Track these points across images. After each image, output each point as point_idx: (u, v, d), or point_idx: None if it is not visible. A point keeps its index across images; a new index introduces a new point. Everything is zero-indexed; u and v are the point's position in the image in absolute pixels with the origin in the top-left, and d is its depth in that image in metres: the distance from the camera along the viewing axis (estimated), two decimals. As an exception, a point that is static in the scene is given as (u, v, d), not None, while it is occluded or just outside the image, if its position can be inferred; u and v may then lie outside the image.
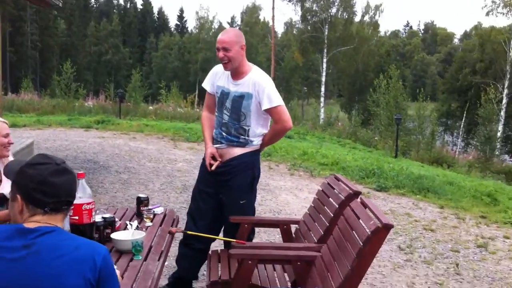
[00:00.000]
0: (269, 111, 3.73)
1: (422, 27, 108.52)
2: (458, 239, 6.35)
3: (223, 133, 3.83)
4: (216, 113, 3.92)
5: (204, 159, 3.94)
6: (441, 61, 74.03)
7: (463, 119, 40.68)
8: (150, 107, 22.28)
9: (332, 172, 9.76)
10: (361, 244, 2.62)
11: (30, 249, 1.68)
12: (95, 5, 77.04)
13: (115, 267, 2.22)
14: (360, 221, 2.83)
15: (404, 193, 8.70)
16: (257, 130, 3.82)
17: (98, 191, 7.32)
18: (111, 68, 61.84)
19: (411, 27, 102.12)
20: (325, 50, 37.69)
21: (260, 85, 3.71)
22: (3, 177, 3.05)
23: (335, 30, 38.69)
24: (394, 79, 23.75)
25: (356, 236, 2.74)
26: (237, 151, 3.81)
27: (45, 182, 1.75)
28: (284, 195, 8.04)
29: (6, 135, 3.18)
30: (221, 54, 3.67)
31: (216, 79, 3.88)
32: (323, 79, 37.50)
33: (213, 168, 3.81)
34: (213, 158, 3.83)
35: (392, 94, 23.38)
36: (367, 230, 2.63)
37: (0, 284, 1.67)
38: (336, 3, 39.55)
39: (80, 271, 1.67)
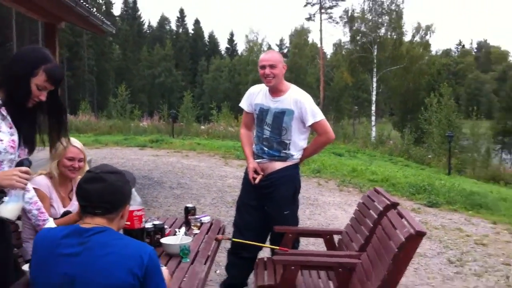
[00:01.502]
0: (314, 125, 3.98)
1: (475, 45, 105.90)
2: (511, 253, 6.25)
3: (265, 148, 4.04)
4: (256, 130, 4.16)
5: (246, 173, 4.15)
6: (496, 79, 71.98)
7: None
8: (202, 127, 22.81)
9: (381, 188, 9.74)
10: (396, 250, 2.73)
11: (85, 246, 1.90)
12: (148, 31, 79.53)
13: (164, 267, 2.43)
14: (396, 229, 2.95)
15: (456, 209, 8.59)
16: (298, 144, 4.04)
17: (152, 205, 7.65)
18: (164, 90, 63.52)
19: (463, 46, 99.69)
20: (375, 70, 37.46)
21: (302, 103, 3.95)
22: (73, 197, 3.27)
23: (385, 50, 38.37)
24: (446, 96, 23.36)
25: (392, 243, 2.86)
26: (279, 165, 4.03)
27: (79, 188, 2.04)
28: (333, 210, 8.13)
29: (71, 159, 3.26)
30: (267, 70, 3.92)
31: (253, 98, 4.15)
32: (373, 98, 37.22)
33: (256, 181, 4.01)
34: (255, 172, 4.04)
35: (444, 112, 22.99)
36: (402, 237, 2.75)
37: (59, 276, 1.89)
38: (385, 24, 39.33)
39: (128, 267, 1.86)
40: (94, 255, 1.89)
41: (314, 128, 4.03)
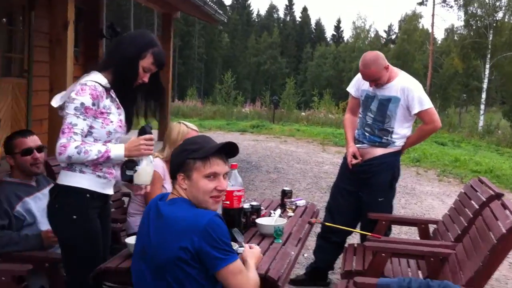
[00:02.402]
0: (420, 113, 3.88)
1: None
2: None
3: (366, 134, 4.00)
4: (359, 115, 4.12)
5: (345, 158, 4.13)
6: None
7: None
8: (302, 113, 22.87)
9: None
10: (495, 241, 2.61)
11: (160, 213, 2.08)
12: (256, 19, 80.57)
13: (256, 246, 2.48)
14: (498, 221, 2.81)
15: None
16: (401, 132, 3.96)
17: (248, 188, 7.84)
18: (268, 77, 64.24)
19: None
20: (489, 56, 35.31)
21: (409, 90, 3.85)
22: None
23: (501, 35, 36.00)
24: None
25: (491, 234, 2.74)
26: (379, 151, 3.96)
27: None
28: (430, 200, 7.87)
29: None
30: (372, 84, 3.88)
31: (361, 83, 4.06)
32: (485, 85, 35.12)
33: (353, 163, 3.96)
34: (354, 156, 3.99)
35: None
36: (503, 229, 2.62)
37: (145, 236, 2.09)
38: (503, 8, 36.87)
39: (180, 243, 1.96)
40: (165, 223, 2.04)
41: (420, 117, 3.92)
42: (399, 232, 5.77)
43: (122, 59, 2.56)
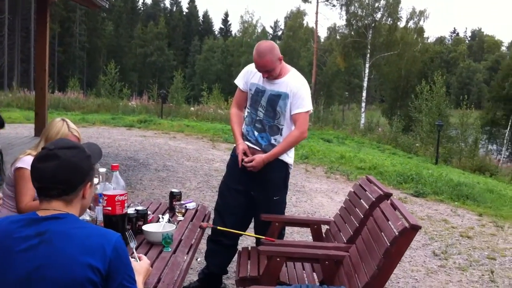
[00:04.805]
0: (297, 115, 3.78)
1: (469, 34, 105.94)
2: (495, 246, 6.21)
3: (255, 131, 3.88)
4: (248, 110, 3.97)
5: (233, 155, 3.99)
6: (487, 69, 72.19)
7: (508, 128, 39.54)
8: (192, 108, 22.59)
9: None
10: (388, 244, 2.62)
11: (43, 237, 1.70)
12: (142, 8, 78.60)
13: (144, 256, 2.30)
14: (389, 222, 2.84)
15: (442, 200, 8.55)
16: (289, 130, 3.87)
17: (136, 187, 7.51)
18: (155, 70, 62.98)
19: (457, 34, 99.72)
20: (368, 55, 37.37)
21: (298, 88, 3.78)
22: None
23: (379, 35, 38.29)
24: (438, 85, 23.28)
25: (384, 236, 2.75)
26: (270, 150, 3.84)
27: (32, 167, 1.80)
28: (320, 197, 8.04)
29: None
30: (265, 75, 3.75)
31: (250, 77, 3.92)
32: (365, 84, 37.19)
33: (246, 161, 3.79)
34: (245, 154, 3.85)
35: (435, 100, 22.93)
36: (395, 231, 2.64)
37: (14, 273, 1.68)
38: (381, 9, 39.16)
39: (88, 261, 1.67)
40: (52, 248, 1.68)
41: (295, 119, 3.81)
42: (292, 232, 5.80)
43: None
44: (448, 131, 22.76)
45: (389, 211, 2.95)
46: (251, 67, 3.94)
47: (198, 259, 4.68)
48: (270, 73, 3.73)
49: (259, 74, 3.84)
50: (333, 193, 8.42)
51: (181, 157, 10.45)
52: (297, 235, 5.84)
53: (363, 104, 36.09)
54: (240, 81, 4.01)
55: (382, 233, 2.80)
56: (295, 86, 3.78)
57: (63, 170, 1.78)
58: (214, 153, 11.29)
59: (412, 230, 2.57)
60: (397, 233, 2.60)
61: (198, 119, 19.15)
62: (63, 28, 54.60)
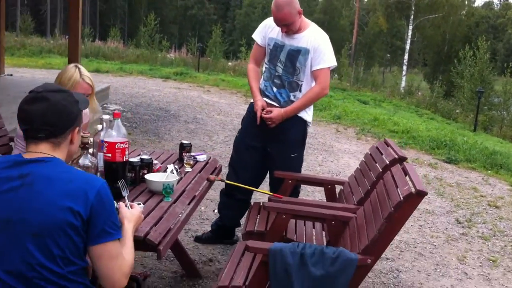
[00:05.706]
0: (318, 71, 3.69)
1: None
2: (524, 218, 6.04)
3: (274, 87, 3.80)
4: (266, 65, 3.88)
5: (249, 111, 3.94)
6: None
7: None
8: (229, 63, 22.48)
9: (401, 140, 9.52)
10: (392, 208, 2.55)
11: (25, 179, 1.70)
12: (186, -42, 77.54)
13: (141, 204, 2.29)
14: (397, 188, 2.75)
15: (475, 168, 8.31)
16: (310, 86, 3.78)
17: (164, 137, 7.58)
18: (195, 23, 62.54)
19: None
20: (412, 17, 36.10)
21: (319, 43, 3.67)
22: None
23: (424, -3, 36.87)
24: (481, 50, 22.37)
25: (389, 200, 2.68)
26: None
27: (19, 110, 1.80)
28: (347, 158, 7.95)
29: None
30: (284, 29, 3.64)
31: (268, 31, 3.82)
32: (407, 46, 36.06)
33: (266, 117, 3.73)
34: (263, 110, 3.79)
35: (478, 67, 22.09)
36: (400, 196, 2.56)
37: (10, 202, 1.69)
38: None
39: (69, 204, 1.67)
40: (33, 190, 1.69)
41: (316, 75, 3.72)
42: (313, 190, 5.76)
43: None
44: (491, 98, 22.00)
45: (399, 175, 2.86)
46: (269, 21, 3.83)
47: (215, 211, 4.71)
48: (289, 27, 3.62)
49: (278, 29, 3.73)
50: (362, 154, 8.27)
51: (212, 110, 10.47)
52: (318, 194, 5.79)
53: (404, 67, 35.11)
54: (257, 35, 3.91)
55: (389, 198, 2.73)
56: (315, 40, 3.66)
57: (53, 112, 1.78)
58: (246, 108, 11.23)
59: (417, 196, 2.49)
60: (401, 198, 2.52)
61: (235, 74, 19.06)
62: (104, -23, 54.65)
